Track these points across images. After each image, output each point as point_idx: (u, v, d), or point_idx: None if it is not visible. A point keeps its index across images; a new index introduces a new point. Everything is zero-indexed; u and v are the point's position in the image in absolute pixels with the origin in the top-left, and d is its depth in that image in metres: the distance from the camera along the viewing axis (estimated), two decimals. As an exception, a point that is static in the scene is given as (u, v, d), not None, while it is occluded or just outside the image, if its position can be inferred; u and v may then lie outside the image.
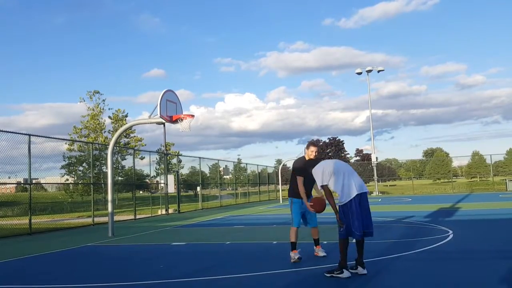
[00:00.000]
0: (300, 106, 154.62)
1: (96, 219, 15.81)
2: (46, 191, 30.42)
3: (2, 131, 12.44)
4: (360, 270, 5.50)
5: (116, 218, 14.23)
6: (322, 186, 5.68)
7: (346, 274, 5.36)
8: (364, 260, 5.59)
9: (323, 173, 5.61)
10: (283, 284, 5.33)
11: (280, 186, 31.10)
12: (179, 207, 22.57)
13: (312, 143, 6.68)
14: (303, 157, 6.72)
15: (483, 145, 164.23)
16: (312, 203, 6.24)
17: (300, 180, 6.54)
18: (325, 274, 5.47)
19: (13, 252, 9.17)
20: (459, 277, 5.32)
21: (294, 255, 6.51)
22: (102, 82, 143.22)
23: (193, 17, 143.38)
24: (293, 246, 6.61)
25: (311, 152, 6.57)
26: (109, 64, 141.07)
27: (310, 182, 6.63)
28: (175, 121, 11.46)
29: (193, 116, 11.62)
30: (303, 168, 6.56)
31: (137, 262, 7.45)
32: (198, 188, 28.04)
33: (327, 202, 5.87)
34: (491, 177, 41.37)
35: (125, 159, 30.48)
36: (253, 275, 5.85)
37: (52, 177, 22.57)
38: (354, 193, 5.46)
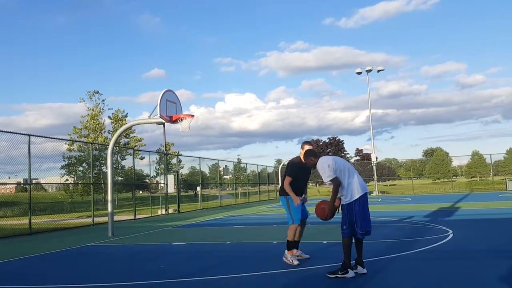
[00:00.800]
0: (300, 106, 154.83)
1: (96, 219, 15.81)
2: (46, 191, 30.40)
3: (2, 131, 12.44)
4: (360, 269, 5.50)
5: (116, 218, 14.23)
6: (331, 181, 5.46)
7: (351, 274, 5.35)
8: (363, 260, 5.60)
9: (329, 168, 5.48)
10: (283, 284, 5.33)
11: (280, 186, 31.06)
12: (179, 207, 22.57)
13: (307, 142, 6.50)
14: (298, 157, 6.59)
15: (483, 144, 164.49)
16: (322, 207, 5.77)
17: (288, 180, 6.42)
18: (328, 276, 5.40)
19: (13, 252, 9.17)
20: (459, 276, 5.33)
21: (293, 258, 6.28)
22: (102, 82, 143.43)
23: (193, 17, 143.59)
24: (293, 245, 6.43)
25: None
26: (109, 64, 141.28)
27: (302, 181, 6.60)
28: (175, 121, 11.46)
29: (193, 116, 11.62)
30: (296, 168, 6.47)
31: (137, 262, 7.46)
32: (198, 188, 28.04)
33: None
34: (491, 176, 41.39)
35: (125, 159, 30.46)
36: (253, 274, 5.85)
37: (52, 177, 22.56)
38: (358, 193, 5.46)
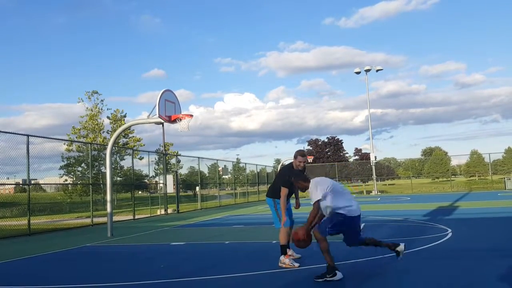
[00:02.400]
0: (299, 106, 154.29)
1: (95, 220, 15.80)
2: (45, 191, 30.38)
3: (0, 131, 12.43)
4: (400, 247, 5.44)
5: (115, 218, 14.21)
6: (314, 204, 5.35)
7: (339, 275, 5.20)
8: (363, 259, 5.60)
9: (318, 190, 5.34)
10: (283, 284, 5.33)
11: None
12: (178, 207, 22.56)
13: (300, 153, 6.41)
14: (291, 164, 6.52)
15: (482, 143, 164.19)
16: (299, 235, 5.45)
17: (284, 192, 6.29)
18: (316, 280, 5.24)
19: (12, 252, 9.16)
20: (458, 275, 5.34)
21: (291, 261, 6.18)
22: (102, 82, 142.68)
23: (193, 17, 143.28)
24: (286, 249, 6.30)
25: (299, 163, 6.36)
26: (108, 64, 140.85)
27: (293, 189, 6.55)
28: (174, 121, 11.45)
29: (191, 116, 11.61)
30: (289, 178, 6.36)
31: (137, 262, 7.46)
32: (197, 188, 28.03)
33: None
34: (490, 175, 41.45)
35: (124, 159, 30.46)
36: (253, 274, 5.86)
37: (51, 177, 22.54)
38: (355, 213, 5.34)
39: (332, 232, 5.33)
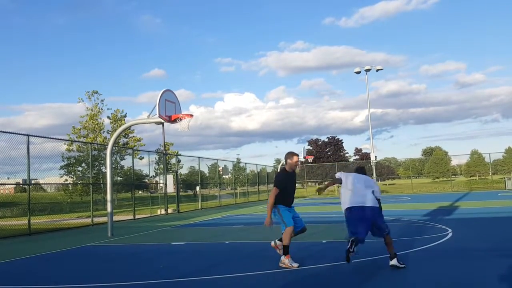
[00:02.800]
0: (299, 106, 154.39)
1: (95, 219, 15.81)
2: (45, 191, 30.38)
3: (1, 131, 12.43)
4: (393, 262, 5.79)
5: (115, 218, 14.20)
6: (333, 176, 6.21)
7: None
8: (363, 259, 5.62)
9: (338, 173, 6.20)
10: (283, 284, 5.34)
11: None
12: (178, 207, 22.57)
13: (294, 153, 6.45)
14: (284, 168, 6.55)
15: (482, 143, 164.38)
16: None
17: (275, 191, 6.31)
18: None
19: (12, 252, 9.16)
20: (459, 275, 5.34)
21: (292, 262, 6.16)
22: (102, 82, 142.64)
23: (193, 17, 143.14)
24: (288, 249, 6.28)
25: (295, 163, 6.37)
26: (109, 64, 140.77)
27: (291, 193, 6.59)
28: (174, 121, 11.46)
29: (191, 115, 11.62)
30: (285, 179, 6.40)
31: (137, 262, 7.46)
32: (197, 188, 28.03)
33: None
34: (490, 175, 41.46)
35: (124, 159, 30.45)
36: (252, 274, 5.86)
37: (51, 177, 22.52)
38: (348, 204, 5.82)
39: (353, 230, 5.69)
